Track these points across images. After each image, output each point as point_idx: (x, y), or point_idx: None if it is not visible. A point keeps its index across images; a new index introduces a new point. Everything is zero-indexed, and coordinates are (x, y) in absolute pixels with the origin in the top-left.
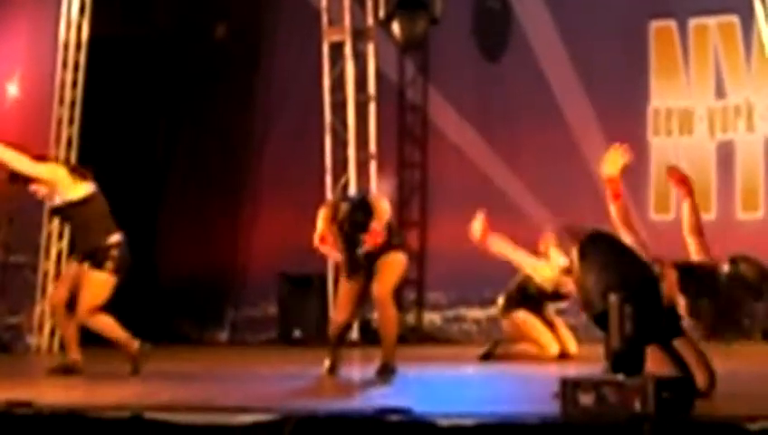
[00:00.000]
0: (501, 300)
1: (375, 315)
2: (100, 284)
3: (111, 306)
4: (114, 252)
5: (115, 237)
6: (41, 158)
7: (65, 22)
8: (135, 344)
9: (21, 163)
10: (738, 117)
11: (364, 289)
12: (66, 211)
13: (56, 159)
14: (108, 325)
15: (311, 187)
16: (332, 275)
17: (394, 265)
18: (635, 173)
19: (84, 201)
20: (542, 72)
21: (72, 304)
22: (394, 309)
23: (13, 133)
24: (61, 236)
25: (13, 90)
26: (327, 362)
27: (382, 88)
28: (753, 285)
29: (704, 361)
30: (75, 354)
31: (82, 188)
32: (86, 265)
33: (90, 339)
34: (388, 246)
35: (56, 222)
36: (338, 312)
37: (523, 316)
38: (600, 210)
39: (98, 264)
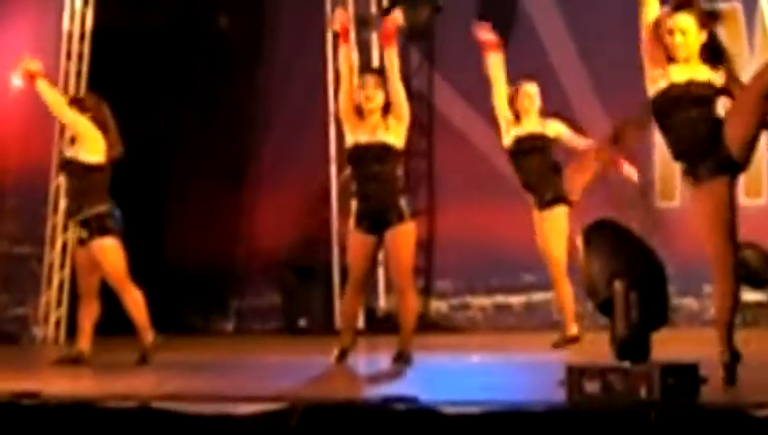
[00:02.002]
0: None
1: (381, 304)
2: (111, 249)
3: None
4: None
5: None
6: (80, 105)
7: (69, 12)
8: (150, 335)
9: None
10: None
11: (375, 248)
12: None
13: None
14: (137, 305)
15: (315, 176)
16: (337, 263)
17: (406, 239)
18: (640, 160)
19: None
20: (547, 58)
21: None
22: (415, 297)
23: (17, 124)
24: (65, 227)
25: (17, 81)
26: (337, 349)
27: None
28: (758, 271)
29: None
30: (84, 345)
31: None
32: (93, 240)
33: (95, 329)
34: (398, 217)
35: (61, 213)
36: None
37: (557, 212)
38: (607, 195)
39: (100, 231)
